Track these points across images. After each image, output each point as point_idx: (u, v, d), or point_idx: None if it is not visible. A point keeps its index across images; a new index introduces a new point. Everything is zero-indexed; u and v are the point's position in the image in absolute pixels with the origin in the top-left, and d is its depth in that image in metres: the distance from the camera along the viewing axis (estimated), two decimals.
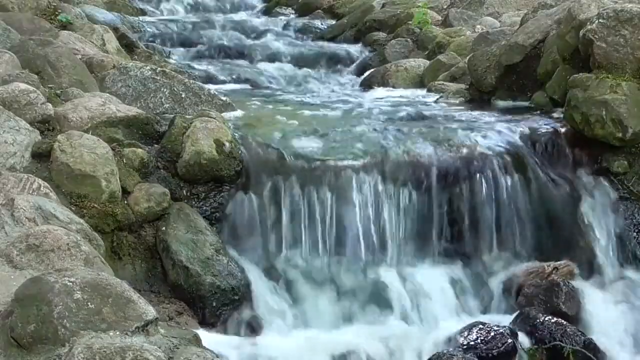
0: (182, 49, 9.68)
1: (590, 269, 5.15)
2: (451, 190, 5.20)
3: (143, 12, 11.44)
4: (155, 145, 5.14)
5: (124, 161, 4.84)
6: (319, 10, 12.20)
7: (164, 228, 4.73)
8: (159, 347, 3.08)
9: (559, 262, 5.04)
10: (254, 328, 4.59)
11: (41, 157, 4.66)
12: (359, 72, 9.23)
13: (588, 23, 5.53)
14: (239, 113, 6.02)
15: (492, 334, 4.46)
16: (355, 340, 4.49)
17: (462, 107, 6.48)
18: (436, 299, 4.92)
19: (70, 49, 6.33)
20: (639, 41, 5.36)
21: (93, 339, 2.99)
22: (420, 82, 7.85)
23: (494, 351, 4.39)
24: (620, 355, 4.73)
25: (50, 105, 4.99)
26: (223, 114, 5.60)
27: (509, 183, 5.25)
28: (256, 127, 5.54)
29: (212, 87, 6.69)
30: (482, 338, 4.43)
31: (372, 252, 5.04)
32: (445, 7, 10.61)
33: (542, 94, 6.24)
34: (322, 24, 11.43)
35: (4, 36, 5.93)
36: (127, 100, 5.77)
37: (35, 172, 4.52)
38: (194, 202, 4.95)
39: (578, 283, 4.98)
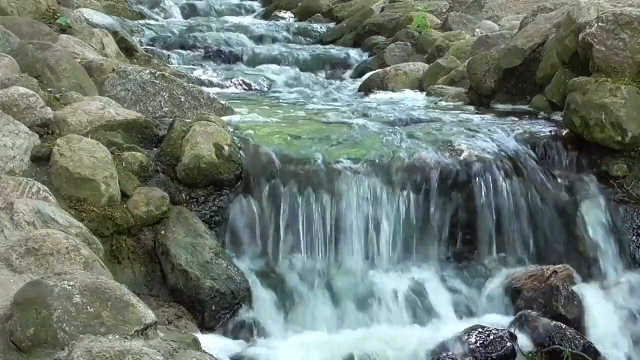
0: (181, 53, 9.69)
1: (590, 272, 5.16)
2: (450, 193, 5.20)
3: (142, 16, 11.44)
4: (155, 149, 5.14)
5: (123, 165, 4.84)
6: (319, 14, 12.21)
7: (163, 232, 4.73)
8: (158, 351, 3.08)
9: (558, 266, 5.04)
10: (253, 331, 4.59)
11: (40, 160, 4.66)
12: (358, 76, 9.23)
13: (587, 26, 5.54)
14: (238, 117, 6.02)
15: (492, 337, 4.46)
16: (354, 344, 4.49)
17: (462, 111, 6.48)
18: (435, 302, 4.92)
19: (70, 52, 6.33)
20: (638, 45, 5.37)
21: (92, 342, 2.99)
22: (419, 85, 7.85)
23: (493, 354, 4.39)
24: (620, 358, 4.73)
25: (49, 109, 4.99)
26: (222, 118, 5.60)
27: (509, 186, 5.25)
28: (255, 131, 5.54)
29: (211, 91, 6.70)
30: (481, 341, 4.43)
31: (371, 255, 5.04)
32: (444, 10, 10.63)
33: (541, 97, 6.25)
34: (321, 28, 11.44)
35: (3, 40, 5.92)
36: (127, 104, 5.77)
37: (34, 176, 4.52)
38: (193, 206, 4.95)
39: (577, 287, 4.98)
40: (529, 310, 4.78)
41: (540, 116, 6.10)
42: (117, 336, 3.06)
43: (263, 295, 4.73)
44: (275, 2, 13.16)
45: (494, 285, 5.06)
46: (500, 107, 6.57)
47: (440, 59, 8.17)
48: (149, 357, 2.94)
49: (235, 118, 5.96)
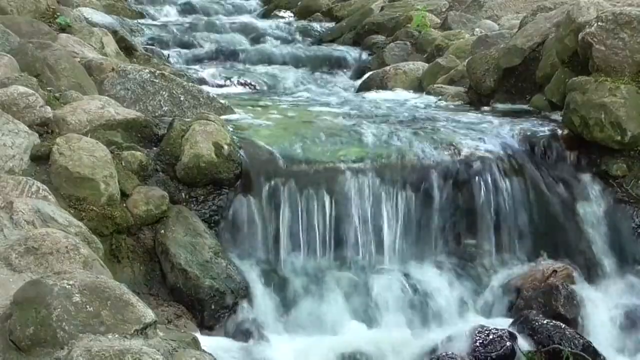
0: (181, 52, 9.69)
1: (589, 272, 5.15)
2: (450, 193, 5.20)
3: (141, 15, 11.44)
4: (154, 148, 5.14)
5: (123, 164, 4.84)
6: (318, 13, 12.21)
7: (162, 231, 4.73)
8: (158, 350, 3.08)
9: (557, 265, 5.04)
10: (252, 331, 4.58)
11: (40, 160, 4.66)
12: (357, 75, 9.23)
13: (587, 26, 5.54)
14: (237, 116, 6.01)
15: (491, 337, 4.45)
16: (354, 343, 4.49)
17: (461, 110, 6.48)
18: (435, 301, 4.92)
19: (69, 51, 6.32)
20: (637, 44, 5.37)
21: (92, 342, 2.99)
22: (419, 85, 7.85)
23: (492, 354, 4.39)
24: (619, 358, 4.73)
25: (49, 108, 4.99)
26: (222, 117, 5.60)
27: (508, 186, 5.26)
28: (255, 130, 5.54)
29: (210, 90, 6.69)
30: (481, 341, 4.43)
31: (371, 255, 5.04)
32: (444, 10, 10.62)
33: (540, 97, 6.25)
34: (321, 27, 11.44)
35: (2, 39, 5.92)
36: (126, 103, 5.77)
37: (34, 175, 4.52)
38: (192, 205, 4.95)
39: (577, 286, 4.98)
40: (529, 310, 4.78)
41: (539, 116, 6.09)
42: (116, 335, 3.06)
43: (263, 295, 4.73)
44: (275, 1, 13.16)
45: (494, 284, 5.06)
46: (499, 106, 6.56)
47: (439, 58, 8.17)
48: (149, 357, 2.94)
49: (234, 117, 5.96)
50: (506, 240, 5.21)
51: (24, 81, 5.15)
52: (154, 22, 11.03)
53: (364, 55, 9.85)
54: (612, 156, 5.40)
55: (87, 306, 3.10)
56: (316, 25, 11.51)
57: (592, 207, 5.29)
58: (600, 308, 4.92)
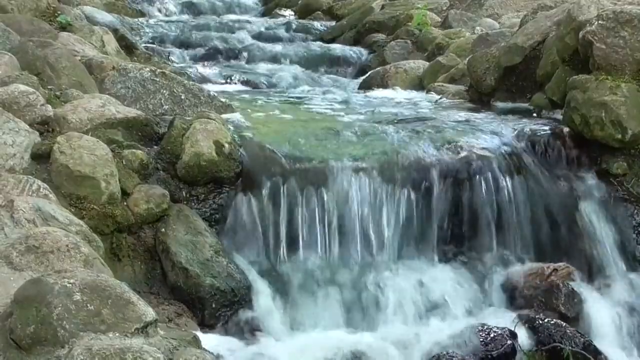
0: (181, 51, 9.70)
1: (590, 270, 5.15)
2: (451, 191, 5.20)
3: (142, 14, 11.45)
4: (155, 147, 5.14)
5: (124, 163, 4.84)
6: (319, 12, 12.22)
7: (163, 229, 4.73)
8: (159, 349, 3.08)
9: (558, 264, 5.04)
10: (253, 330, 4.59)
11: (41, 158, 4.66)
12: (358, 74, 9.25)
13: (587, 24, 5.54)
14: (238, 115, 6.01)
15: (492, 335, 4.45)
16: (355, 342, 4.48)
17: (462, 109, 6.48)
18: (435, 300, 4.91)
19: (70, 50, 6.32)
20: (638, 42, 5.36)
21: (92, 340, 2.99)
22: (419, 83, 7.85)
23: (493, 352, 4.39)
24: (620, 357, 4.73)
25: (49, 107, 4.99)
26: (222, 116, 5.60)
27: (509, 184, 5.25)
28: (255, 129, 5.54)
29: (211, 89, 6.69)
30: (481, 339, 4.43)
31: (371, 253, 5.04)
32: (444, 8, 10.64)
33: (541, 95, 6.24)
34: (321, 26, 11.44)
35: (3, 37, 5.93)
36: (127, 102, 5.77)
37: (34, 174, 4.52)
38: (193, 204, 4.95)
39: (577, 285, 4.98)
40: (530, 308, 4.78)
41: (540, 114, 6.09)
42: (117, 334, 3.06)
43: (263, 293, 4.72)
44: (276, 0, 13.17)
45: (495, 283, 5.06)
46: (500, 105, 6.56)
47: (440, 56, 8.18)
48: (149, 355, 2.94)
49: (235, 116, 5.95)
50: (507, 238, 5.21)
51: (25, 80, 5.15)
52: (155, 21, 11.03)
53: (365, 54, 9.85)
54: (612, 154, 5.40)
55: (88, 305, 3.10)
56: (317, 24, 11.52)
57: (593, 206, 5.29)
58: (601, 306, 4.92)
